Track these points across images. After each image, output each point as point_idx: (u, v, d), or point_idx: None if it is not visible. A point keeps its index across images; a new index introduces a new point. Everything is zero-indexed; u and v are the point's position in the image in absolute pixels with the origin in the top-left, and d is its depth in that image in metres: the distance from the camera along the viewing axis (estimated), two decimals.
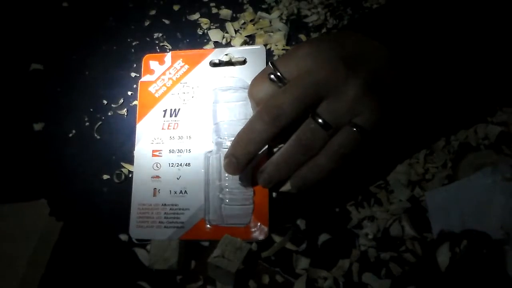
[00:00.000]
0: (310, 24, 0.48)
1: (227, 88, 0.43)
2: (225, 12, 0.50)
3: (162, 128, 0.44)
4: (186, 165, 0.43)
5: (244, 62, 0.45)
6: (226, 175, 0.40)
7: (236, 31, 0.49)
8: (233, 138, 0.38)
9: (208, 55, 0.46)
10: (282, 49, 0.47)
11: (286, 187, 0.37)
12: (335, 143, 0.35)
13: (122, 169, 0.44)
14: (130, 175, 0.44)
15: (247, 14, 0.49)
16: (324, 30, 0.48)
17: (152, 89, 0.46)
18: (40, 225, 0.41)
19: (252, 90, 0.38)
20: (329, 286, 0.38)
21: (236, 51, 0.46)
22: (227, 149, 0.39)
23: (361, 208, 0.40)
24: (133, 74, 0.48)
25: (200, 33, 0.49)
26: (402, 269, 0.38)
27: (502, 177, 0.35)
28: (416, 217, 0.39)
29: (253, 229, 0.40)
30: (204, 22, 0.50)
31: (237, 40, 0.48)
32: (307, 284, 0.37)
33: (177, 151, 0.43)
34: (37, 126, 0.47)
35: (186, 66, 0.46)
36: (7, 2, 0.53)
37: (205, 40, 0.49)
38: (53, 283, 0.40)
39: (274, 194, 0.41)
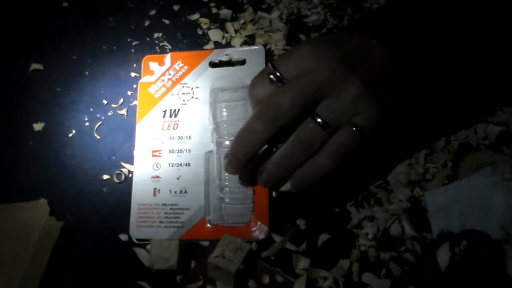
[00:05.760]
0: (310, 24, 0.48)
1: (227, 88, 0.43)
2: (225, 12, 0.50)
3: (162, 129, 0.44)
4: (186, 165, 0.43)
5: (243, 62, 0.45)
6: (226, 174, 0.40)
7: (236, 31, 0.49)
8: (233, 138, 0.38)
9: (208, 56, 0.46)
10: (282, 49, 0.47)
11: (286, 186, 0.37)
12: (335, 143, 0.35)
13: (122, 169, 0.44)
14: (130, 175, 0.44)
15: (247, 14, 0.49)
16: (324, 30, 0.48)
17: (151, 90, 0.46)
18: (40, 225, 0.41)
19: (252, 90, 0.38)
20: (329, 286, 0.38)
21: (235, 51, 0.46)
22: (227, 149, 0.39)
23: (361, 208, 0.40)
24: (133, 74, 0.48)
25: (200, 33, 0.49)
26: (402, 269, 0.38)
27: (502, 177, 0.35)
28: (416, 217, 0.39)
29: (253, 229, 0.40)
30: (204, 22, 0.50)
31: (237, 40, 0.48)
32: (307, 284, 0.37)
33: (177, 151, 0.43)
34: (37, 126, 0.47)
35: (186, 67, 0.46)
36: (7, 2, 0.53)
37: (205, 40, 0.49)
38: (53, 283, 0.40)
39: (274, 194, 0.41)
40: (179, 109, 0.45)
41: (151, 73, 0.46)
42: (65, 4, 0.53)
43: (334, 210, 0.40)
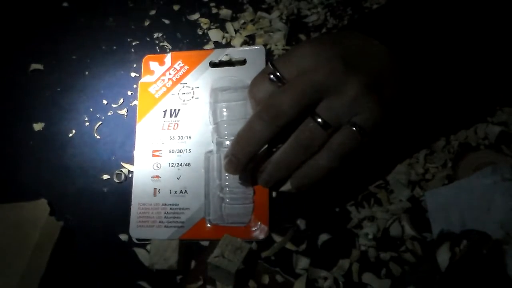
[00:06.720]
0: (310, 24, 0.48)
1: (227, 88, 0.44)
2: (225, 12, 0.50)
3: (162, 129, 0.44)
4: (186, 165, 0.43)
5: (244, 62, 0.45)
6: (226, 174, 0.40)
7: (236, 31, 0.49)
8: (233, 138, 0.38)
9: (208, 56, 0.46)
10: (282, 49, 0.47)
11: (286, 186, 0.37)
12: (335, 143, 0.35)
13: (122, 169, 0.44)
14: (130, 175, 0.44)
15: (247, 14, 0.49)
16: (324, 30, 0.48)
17: (152, 89, 0.46)
18: (40, 225, 0.41)
19: (252, 90, 0.38)
20: (329, 286, 0.38)
21: (236, 51, 0.46)
22: (227, 149, 0.39)
23: (361, 208, 0.40)
24: (133, 74, 0.48)
25: (200, 33, 0.49)
26: (402, 269, 0.38)
27: (502, 177, 0.35)
28: (416, 217, 0.39)
29: (253, 229, 0.40)
30: (204, 22, 0.50)
31: (237, 40, 0.48)
32: (307, 284, 0.37)
33: (177, 151, 0.43)
34: (37, 126, 0.47)
35: (186, 67, 0.46)
36: (7, 2, 0.53)
37: (205, 40, 0.49)
38: (53, 283, 0.40)
39: (274, 194, 0.41)
40: (179, 109, 0.45)
41: (151, 72, 0.46)
42: (65, 4, 0.53)
43: (334, 210, 0.40)
